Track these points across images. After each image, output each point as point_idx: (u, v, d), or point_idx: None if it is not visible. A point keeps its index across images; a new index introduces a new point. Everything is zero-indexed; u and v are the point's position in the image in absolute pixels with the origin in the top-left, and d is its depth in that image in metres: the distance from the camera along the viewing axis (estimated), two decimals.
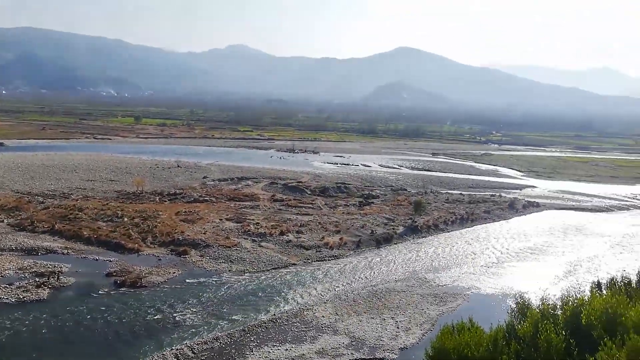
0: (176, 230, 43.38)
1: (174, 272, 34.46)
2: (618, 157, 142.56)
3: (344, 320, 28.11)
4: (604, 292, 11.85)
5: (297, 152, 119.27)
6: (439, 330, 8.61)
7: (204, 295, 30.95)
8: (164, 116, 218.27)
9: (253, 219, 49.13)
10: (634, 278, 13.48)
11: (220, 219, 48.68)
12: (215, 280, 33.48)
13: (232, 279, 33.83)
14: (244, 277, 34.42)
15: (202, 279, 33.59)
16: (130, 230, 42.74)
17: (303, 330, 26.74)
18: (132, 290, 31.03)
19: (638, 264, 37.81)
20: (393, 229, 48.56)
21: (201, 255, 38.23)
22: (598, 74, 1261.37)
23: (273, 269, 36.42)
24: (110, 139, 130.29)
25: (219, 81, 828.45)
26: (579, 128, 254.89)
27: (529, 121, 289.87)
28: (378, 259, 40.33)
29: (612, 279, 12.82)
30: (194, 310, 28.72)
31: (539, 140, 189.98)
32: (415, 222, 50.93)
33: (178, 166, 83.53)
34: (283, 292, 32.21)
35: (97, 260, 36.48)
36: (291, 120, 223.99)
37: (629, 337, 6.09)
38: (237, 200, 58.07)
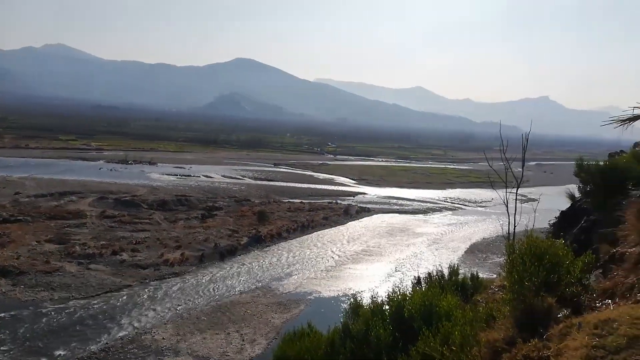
0: None
1: None
2: (431, 165, 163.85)
3: (186, 340, 26.89)
4: (423, 285, 13.31)
5: (132, 164, 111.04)
6: (281, 339, 8.83)
7: (19, 330, 26.67)
8: None
9: (79, 239, 44.13)
10: (446, 271, 15.28)
11: (38, 241, 42.62)
12: (33, 312, 29.13)
13: (55, 309, 29.82)
14: (69, 305, 30.62)
15: (15, 312, 28.88)
16: None
17: (141, 357, 24.83)
18: None
19: (450, 259, 43.92)
20: (237, 240, 48.26)
21: (13, 285, 32.88)
22: (414, 92, 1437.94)
23: (104, 293, 33.13)
24: None
25: (34, 84, 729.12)
26: (400, 140, 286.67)
27: (358, 133, 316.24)
28: (222, 272, 39.65)
29: (429, 274, 14.40)
30: (5, 349, 24.54)
31: (368, 151, 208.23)
32: (260, 232, 51.41)
33: None
34: (117, 317, 29.51)
35: None
36: (123, 129, 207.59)
37: (441, 325, 7.01)
38: (59, 219, 51.50)
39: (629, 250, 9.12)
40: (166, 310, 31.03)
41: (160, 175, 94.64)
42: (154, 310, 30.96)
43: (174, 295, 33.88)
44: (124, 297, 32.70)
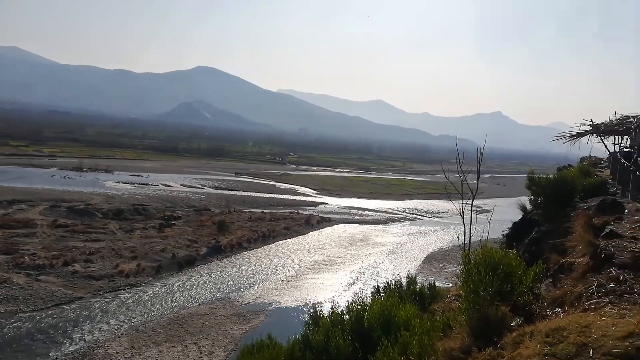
0: None
1: None
2: (391, 177, 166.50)
3: (141, 354, 26.03)
4: (382, 295, 13.46)
5: (87, 171, 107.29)
6: (240, 351, 8.71)
7: None
8: None
9: (28, 249, 42.08)
10: (404, 281, 15.49)
11: None
12: None
13: (1, 322, 28.22)
14: (16, 318, 29.07)
15: None
16: None
17: None
18: None
19: (408, 268, 44.61)
20: (196, 250, 47.32)
21: None
22: (374, 105, 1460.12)
23: (55, 305, 31.68)
24: None
25: None
26: (361, 151, 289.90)
27: (320, 144, 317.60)
28: (180, 283, 38.72)
29: (388, 283, 14.59)
30: None
31: (329, 162, 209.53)
32: (219, 242, 50.62)
33: None
34: (68, 330, 28.25)
35: None
36: (79, 135, 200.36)
37: (400, 334, 7.13)
38: (6, 228, 48.94)
39: (577, 260, 9.57)
40: (120, 323, 29.97)
41: (117, 184, 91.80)
42: (108, 323, 29.84)
43: (129, 307, 32.79)
44: (76, 310, 31.36)
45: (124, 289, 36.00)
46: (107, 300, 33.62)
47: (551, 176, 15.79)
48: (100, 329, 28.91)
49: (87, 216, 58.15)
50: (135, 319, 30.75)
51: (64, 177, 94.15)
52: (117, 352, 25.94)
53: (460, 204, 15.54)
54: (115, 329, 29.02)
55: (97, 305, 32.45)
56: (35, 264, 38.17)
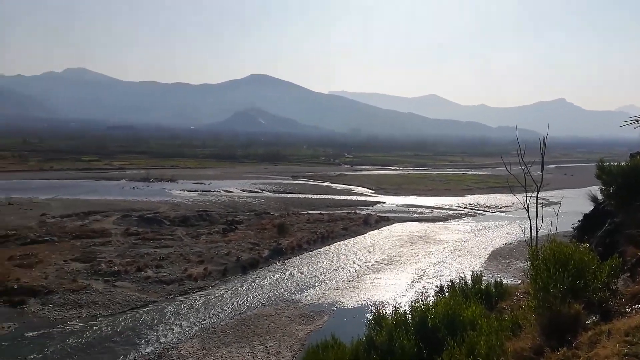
0: (9, 278, 37.52)
1: (8, 327, 29.70)
2: (449, 172, 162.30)
3: (212, 354, 27.06)
4: (446, 294, 13.19)
5: (153, 181, 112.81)
6: (305, 351, 8.87)
7: (49, 348, 27.21)
8: None
9: (104, 257, 44.93)
10: (469, 279, 15.09)
11: (65, 260, 43.52)
12: (62, 330, 29.69)
13: (83, 326, 30.35)
14: (96, 322, 31.13)
15: (45, 330, 29.49)
16: None
17: None
18: None
19: (472, 266, 43.36)
20: (259, 253, 48.51)
21: (43, 304, 33.61)
22: (428, 100, 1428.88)
23: (131, 309, 33.61)
24: None
25: (55, 107, 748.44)
26: (416, 148, 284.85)
27: (374, 143, 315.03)
28: (245, 286, 39.86)
29: (451, 282, 14.27)
30: None
31: (384, 160, 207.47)
32: (280, 244, 51.59)
33: (9, 204, 72.77)
34: (143, 333, 29.88)
35: None
36: (143, 148, 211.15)
37: (466, 334, 6.98)
38: (84, 238, 52.54)
39: None
40: (191, 325, 31.31)
41: (181, 192, 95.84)
42: (180, 325, 31.26)
43: (198, 309, 34.18)
44: (150, 313, 33.11)
45: (193, 292, 37.57)
46: (178, 303, 35.22)
47: (623, 163, 14.83)
48: (173, 330, 30.34)
49: (156, 224, 61.17)
50: (205, 321, 32.00)
51: (133, 188, 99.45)
52: (189, 353, 27.12)
53: (525, 197, 14.93)
54: (187, 331, 30.35)
55: (169, 309, 34.08)
56: (111, 271, 40.69)
